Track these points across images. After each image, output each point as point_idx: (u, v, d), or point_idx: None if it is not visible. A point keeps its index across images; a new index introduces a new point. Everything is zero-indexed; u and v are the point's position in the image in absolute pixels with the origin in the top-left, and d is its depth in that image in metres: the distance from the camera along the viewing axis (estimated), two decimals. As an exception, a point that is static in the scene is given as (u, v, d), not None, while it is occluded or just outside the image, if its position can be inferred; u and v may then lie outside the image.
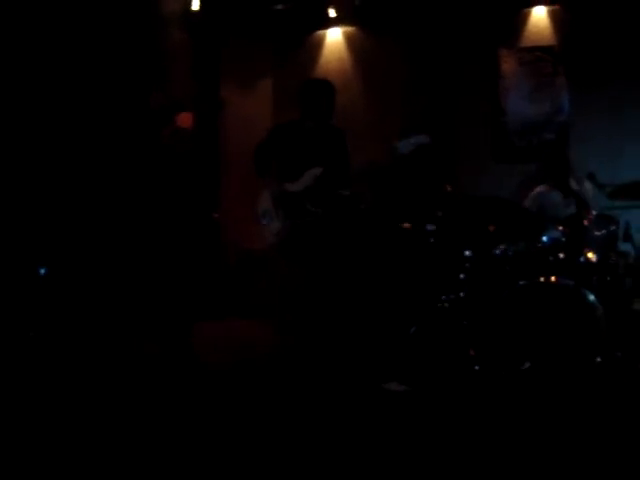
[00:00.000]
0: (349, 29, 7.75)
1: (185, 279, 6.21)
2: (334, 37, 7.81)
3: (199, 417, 4.18)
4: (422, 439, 3.91)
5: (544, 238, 5.11)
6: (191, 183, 6.55)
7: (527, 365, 4.63)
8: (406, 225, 5.91)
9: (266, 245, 5.48)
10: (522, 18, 7.09)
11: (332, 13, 7.59)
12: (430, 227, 5.54)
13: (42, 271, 5.81)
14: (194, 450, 3.66)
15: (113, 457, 3.55)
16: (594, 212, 5.16)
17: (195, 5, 6.97)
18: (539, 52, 7.02)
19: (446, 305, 5.17)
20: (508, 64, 7.10)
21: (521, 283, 4.83)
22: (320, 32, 7.86)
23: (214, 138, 7.52)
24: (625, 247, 5.20)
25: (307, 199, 5.27)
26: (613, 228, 5.08)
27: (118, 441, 3.77)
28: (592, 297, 4.72)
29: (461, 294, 5.17)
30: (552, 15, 7.01)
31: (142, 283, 6.10)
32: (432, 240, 5.51)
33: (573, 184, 5.64)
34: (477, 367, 4.84)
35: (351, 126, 6.94)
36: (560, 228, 5.08)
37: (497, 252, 5.20)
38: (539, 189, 5.98)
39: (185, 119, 6.63)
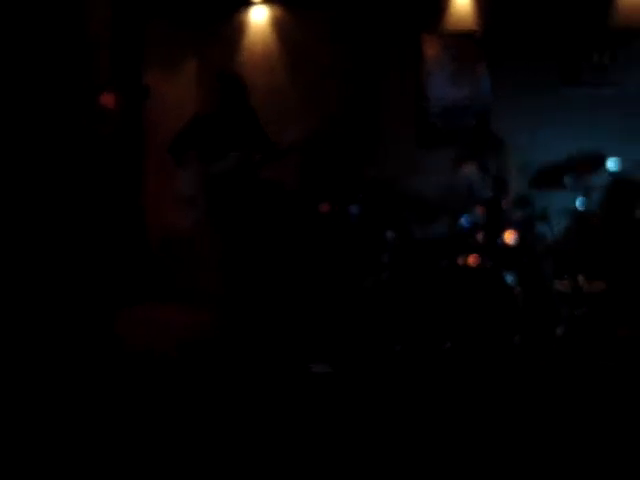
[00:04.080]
0: (274, 10, 7.68)
1: (108, 264, 6.12)
2: (259, 18, 7.73)
3: (125, 403, 4.14)
4: (347, 420, 3.95)
5: (463, 220, 5.20)
6: (114, 165, 6.45)
7: (448, 345, 4.71)
8: (328, 207, 5.94)
9: (190, 228, 5.45)
10: (445, 3, 7.14)
11: (257, -7, 7.54)
12: (353, 209, 5.58)
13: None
14: (118, 435, 3.62)
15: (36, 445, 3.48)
16: (512, 195, 5.27)
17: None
18: (462, 37, 7.09)
19: (369, 287, 5.23)
20: (431, 49, 7.15)
21: (441, 265, 4.91)
22: (244, 14, 7.77)
23: (138, 122, 7.39)
24: (542, 229, 5.32)
25: (233, 179, 5.28)
26: (531, 210, 5.20)
27: (43, 428, 3.70)
28: (510, 278, 4.84)
29: (383, 276, 5.23)
30: (475, 1, 7.09)
31: (64, 268, 5.98)
32: (354, 222, 5.55)
33: (493, 167, 5.72)
34: (398, 347, 4.92)
35: (276, 107, 6.94)
36: (479, 210, 5.17)
37: (418, 235, 5.28)
38: (465, 170, 6.07)
39: (108, 100, 6.51)
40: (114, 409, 4.04)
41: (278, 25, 7.66)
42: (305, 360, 4.85)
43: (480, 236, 5.06)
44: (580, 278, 5.36)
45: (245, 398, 4.24)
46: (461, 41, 7.07)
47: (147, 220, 7.25)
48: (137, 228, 7.05)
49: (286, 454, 3.49)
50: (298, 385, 4.51)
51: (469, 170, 6.05)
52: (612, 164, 5.48)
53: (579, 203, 5.13)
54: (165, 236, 7.20)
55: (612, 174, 5.59)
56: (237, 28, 7.77)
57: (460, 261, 4.94)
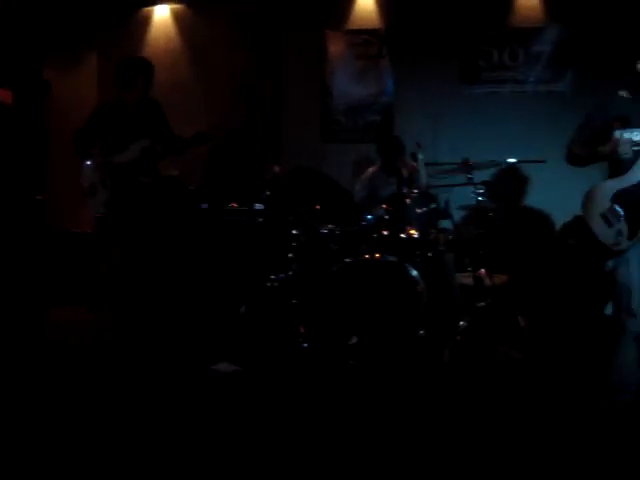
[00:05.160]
0: (177, 6, 7.58)
1: (6, 264, 5.94)
2: (162, 14, 7.63)
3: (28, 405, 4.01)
4: (254, 418, 3.93)
5: (368, 216, 5.24)
6: (11, 161, 6.27)
7: (354, 340, 4.72)
8: (234, 205, 5.89)
9: (93, 224, 5.37)
10: (350, 1, 7.19)
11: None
12: (258, 207, 5.56)
13: None
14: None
15: None
16: (415, 190, 5.33)
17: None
18: (366, 35, 7.14)
19: (275, 284, 5.21)
20: (335, 46, 7.19)
21: (347, 260, 4.92)
22: (147, 9, 7.66)
23: (39, 118, 7.22)
24: (445, 224, 5.41)
25: (136, 170, 5.21)
26: (433, 206, 5.27)
27: None
28: (414, 272, 4.89)
29: (290, 273, 5.22)
30: (379, -2, 7.18)
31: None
32: (260, 220, 5.52)
33: (397, 163, 5.78)
34: (306, 344, 4.92)
35: (179, 102, 6.86)
36: (383, 206, 5.22)
37: (324, 231, 5.29)
38: (370, 170, 6.12)
39: (3, 94, 6.34)
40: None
41: (181, 21, 7.59)
42: (210, 360, 4.79)
43: (385, 231, 5.10)
44: (482, 271, 5.47)
45: (147, 398, 4.17)
46: (365, 38, 7.13)
47: (49, 219, 7.06)
48: (37, 225, 6.84)
49: (190, 454, 3.45)
50: (202, 385, 4.45)
51: (372, 170, 6.11)
52: (509, 159, 5.62)
53: (479, 197, 5.22)
54: (67, 233, 7.05)
55: (509, 168, 5.73)
56: (140, 24, 7.66)
57: (366, 256, 4.96)
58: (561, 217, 6.24)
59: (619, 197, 3.87)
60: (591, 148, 3.99)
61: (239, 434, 3.70)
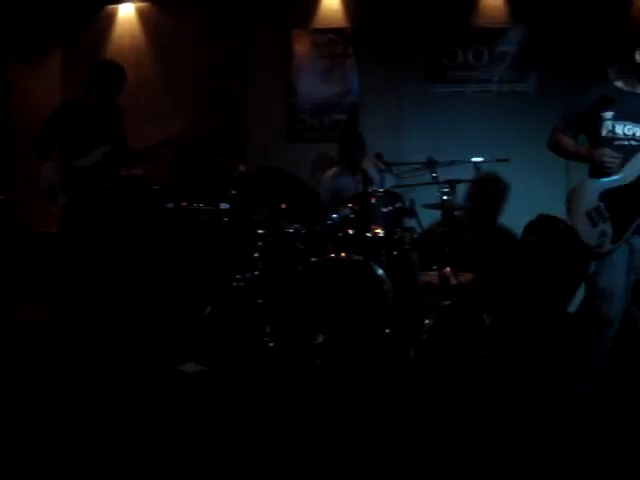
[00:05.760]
0: (142, 4, 7.52)
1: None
2: (126, 12, 7.56)
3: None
4: (220, 418, 3.91)
5: (334, 215, 5.25)
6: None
7: (320, 339, 4.73)
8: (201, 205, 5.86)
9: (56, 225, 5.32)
10: (315, 0, 7.18)
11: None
12: (224, 206, 5.53)
13: None
14: None
15: None
16: (381, 190, 5.35)
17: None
18: (331, 34, 7.15)
19: (241, 284, 5.20)
20: (301, 45, 7.18)
21: (313, 259, 4.93)
22: (111, 7, 7.59)
23: (2, 118, 7.16)
24: (410, 223, 5.43)
25: (97, 175, 5.16)
26: (399, 205, 5.30)
27: None
28: (380, 271, 4.90)
29: (255, 272, 5.21)
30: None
31: None
32: (226, 219, 5.50)
33: (363, 163, 5.80)
34: (272, 344, 4.91)
35: (144, 101, 6.82)
36: (349, 205, 5.23)
37: (289, 230, 5.29)
38: (334, 170, 6.13)
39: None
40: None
41: (146, 19, 7.53)
42: (176, 360, 4.77)
43: (351, 230, 5.11)
44: (447, 270, 5.51)
45: (113, 400, 4.13)
46: (330, 38, 7.13)
47: (16, 216, 7.00)
48: (2, 225, 6.77)
49: (155, 455, 3.43)
50: (169, 385, 4.43)
51: (334, 171, 6.12)
52: (476, 159, 5.65)
53: (445, 197, 5.25)
54: (33, 232, 6.98)
55: (476, 169, 5.76)
56: (104, 22, 7.59)
57: (331, 255, 4.97)
58: (525, 215, 6.30)
59: (607, 197, 3.69)
60: (574, 141, 3.93)
61: (205, 434, 3.69)
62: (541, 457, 3.44)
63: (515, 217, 6.48)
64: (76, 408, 3.99)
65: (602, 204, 3.68)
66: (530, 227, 6.23)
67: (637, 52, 3.66)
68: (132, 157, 5.35)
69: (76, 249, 5.15)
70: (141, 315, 5.45)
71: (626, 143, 3.69)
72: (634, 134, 3.69)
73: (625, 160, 3.66)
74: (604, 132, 3.74)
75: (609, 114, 3.71)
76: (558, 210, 6.10)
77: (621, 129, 3.70)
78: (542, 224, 6.12)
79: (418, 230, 5.43)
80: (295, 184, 5.25)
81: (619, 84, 3.80)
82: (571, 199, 3.82)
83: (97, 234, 5.15)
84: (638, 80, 3.74)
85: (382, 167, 5.48)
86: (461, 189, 5.70)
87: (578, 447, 3.53)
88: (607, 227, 3.65)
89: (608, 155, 3.66)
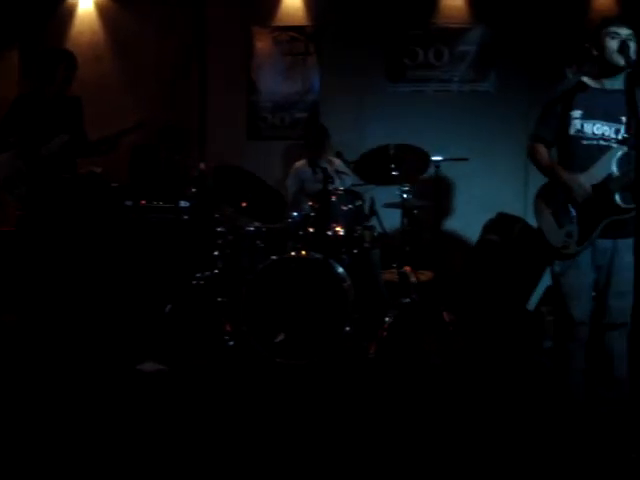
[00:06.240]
0: (101, 0, 7.46)
1: None
2: (85, 8, 7.46)
3: None
4: (179, 418, 3.88)
5: (294, 214, 5.25)
6: None
7: (281, 337, 4.72)
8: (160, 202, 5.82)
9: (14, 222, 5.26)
10: (277, -2, 7.19)
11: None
12: (183, 204, 5.50)
13: None
14: None
15: None
16: (341, 188, 5.35)
17: None
18: (292, 32, 7.14)
19: (201, 282, 5.17)
20: (262, 42, 7.15)
21: (273, 258, 4.91)
22: (71, 3, 7.48)
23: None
24: (371, 221, 5.45)
25: (55, 165, 5.15)
26: (359, 203, 5.30)
27: None
28: (340, 269, 4.91)
29: (215, 271, 5.19)
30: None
31: None
32: (186, 217, 5.46)
33: (323, 161, 5.80)
34: (232, 343, 4.90)
35: (104, 97, 6.75)
36: (309, 203, 5.23)
37: (250, 228, 5.27)
38: (297, 165, 6.12)
39: None
40: None
41: (105, 15, 7.44)
42: (135, 359, 4.72)
43: (311, 228, 5.11)
44: (407, 268, 5.54)
45: (70, 400, 4.08)
46: (291, 35, 7.12)
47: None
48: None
49: (112, 456, 3.39)
50: (127, 385, 4.38)
51: (300, 164, 6.11)
52: (436, 158, 5.69)
53: (405, 196, 5.28)
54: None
55: (436, 168, 5.80)
56: (63, 17, 7.48)
57: (292, 253, 4.96)
58: (484, 214, 6.35)
59: (574, 198, 3.59)
60: (552, 164, 3.72)
61: (164, 434, 3.66)
62: (500, 453, 3.47)
63: (474, 215, 6.53)
64: (31, 409, 3.94)
65: (569, 205, 3.60)
66: (489, 226, 6.29)
67: (608, 39, 3.47)
68: (90, 147, 5.33)
69: (33, 242, 5.09)
70: (100, 314, 5.39)
71: (595, 143, 3.56)
72: (603, 134, 3.56)
73: (593, 160, 3.56)
74: (572, 131, 3.61)
75: (577, 112, 3.59)
76: (517, 209, 6.23)
77: (590, 128, 3.57)
78: (501, 223, 6.18)
79: (379, 229, 5.45)
80: (256, 183, 5.22)
81: (585, 79, 3.66)
82: (537, 199, 3.77)
83: (55, 228, 5.10)
84: (603, 75, 3.59)
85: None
86: (421, 188, 5.72)
87: (540, 442, 3.57)
88: (573, 228, 3.58)
89: (577, 185, 3.55)
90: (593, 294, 3.67)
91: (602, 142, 3.56)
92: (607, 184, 3.50)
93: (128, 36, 7.29)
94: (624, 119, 3.52)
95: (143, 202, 5.86)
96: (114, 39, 7.39)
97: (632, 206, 3.38)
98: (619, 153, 3.49)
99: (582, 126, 3.58)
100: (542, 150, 3.77)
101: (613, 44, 3.46)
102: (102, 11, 7.45)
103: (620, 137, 3.53)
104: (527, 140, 3.93)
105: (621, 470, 3.07)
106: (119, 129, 5.31)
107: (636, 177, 3.17)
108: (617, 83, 3.57)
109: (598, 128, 3.56)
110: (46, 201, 5.11)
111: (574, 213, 3.59)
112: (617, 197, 3.46)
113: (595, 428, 3.54)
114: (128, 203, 5.88)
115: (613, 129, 3.55)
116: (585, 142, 3.59)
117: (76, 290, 5.26)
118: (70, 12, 7.51)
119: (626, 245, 3.52)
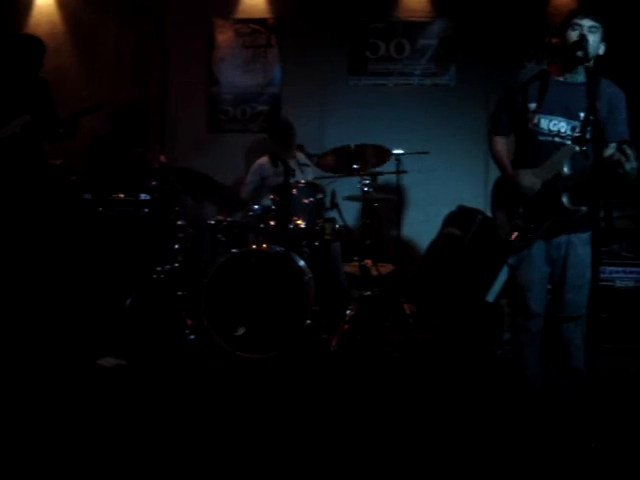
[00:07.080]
0: (61, -10, 7.36)
1: None
2: (44, -1, 7.38)
3: None
4: (138, 413, 3.86)
5: (255, 207, 5.24)
6: None
7: (241, 331, 4.71)
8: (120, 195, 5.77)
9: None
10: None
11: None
12: (144, 197, 5.44)
13: None
14: None
15: None
16: (302, 181, 5.35)
17: None
18: (254, 24, 7.11)
19: (161, 276, 5.13)
20: (223, 34, 7.12)
21: (234, 251, 4.90)
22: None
23: None
24: (332, 214, 5.46)
25: (16, 146, 5.13)
26: (320, 196, 5.30)
27: None
28: (301, 262, 4.92)
29: (176, 264, 5.16)
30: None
31: None
32: (146, 210, 5.42)
33: (286, 155, 5.78)
34: (192, 337, 4.88)
35: (61, 88, 6.65)
36: (270, 196, 5.22)
37: (210, 221, 5.25)
38: (259, 162, 6.09)
39: None
40: None
41: (64, 6, 7.35)
42: (95, 354, 4.67)
43: (272, 222, 5.10)
44: (368, 261, 5.56)
45: (29, 395, 4.03)
46: (253, 28, 7.10)
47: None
48: None
49: (72, 453, 3.36)
50: (86, 380, 4.34)
51: (262, 160, 6.09)
52: (397, 151, 5.71)
53: (366, 189, 5.29)
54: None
55: (397, 161, 5.82)
56: (21, 9, 7.38)
57: (253, 247, 4.95)
58: (445, 206, 6.40)
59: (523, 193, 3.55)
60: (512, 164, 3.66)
61: (123, 429, 3.63)
62: (459, 444, 3.50)
63: (435, 208, 6.58)
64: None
65: (519, 200, 3.56)
66: (449, 218, 6.34)
67: (570, 31, 3.38)
68: (51, 130, 5.32)
69: None
70: (59, 308, 5.33)
71: (549, 139, 3.49)
72: (559, 130, 3.48)
73: (546, 157, 3.48)
74: (529, 125, 3.53)
75: (536, 105, 3.51)
76: (477, 201, 6.28)
77: (546, 124, 3.49)
78: (461, 215, 6.23)
79: (340, 222, 5.45)
80: (206, 183, 5.22)
81: (547, 69, 3.56)
82: (494, 192, 3.77)
83: (11, 221, 5.04)
84: (565, 69, 3.50)
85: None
86: (382, 180, 5.74)
87: (498, 433, 3.61)
88: (521, 223, 3.56)
89: (525, 181, 3.52)
90: (549, 287, 3.67)
91: (557, 139, 3.49)
92: (556, 183, 3.43)
93: (87, 27, 7.21)
94: (582, 115, 3.45)
95: (102, 195, 5.80)
96: (73, 30, 7.30)
97: (580, 208, 3.35)
98: (572, 151, 3.43)
99: (539, 121, 3.50)
100: (498, 141, 3.74)
101: (573, 35, 3.38)
102: (61, 2, 7.36)
103: (575, 134, 3.47)
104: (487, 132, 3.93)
105: (580, 459, 3.11)
106: (76, 110, 5.27)
107: (593, 174, 3.13)
108: (579, 77, 3.47)
109: (555, 124, 3.49)
110: (3, 193, 5.04)
111: (522, 209, 3.56)
112: (564, 198, 3.39)
113: (554, 418, 3.59)
114: (87, 196, 5.83)
115: (570, 126, 3.48)
116: (541, 138, 3.52)
117: (34, 284, 5.19)
118: (28, 3, 7.41)
119: (580, 239, 3.52)
